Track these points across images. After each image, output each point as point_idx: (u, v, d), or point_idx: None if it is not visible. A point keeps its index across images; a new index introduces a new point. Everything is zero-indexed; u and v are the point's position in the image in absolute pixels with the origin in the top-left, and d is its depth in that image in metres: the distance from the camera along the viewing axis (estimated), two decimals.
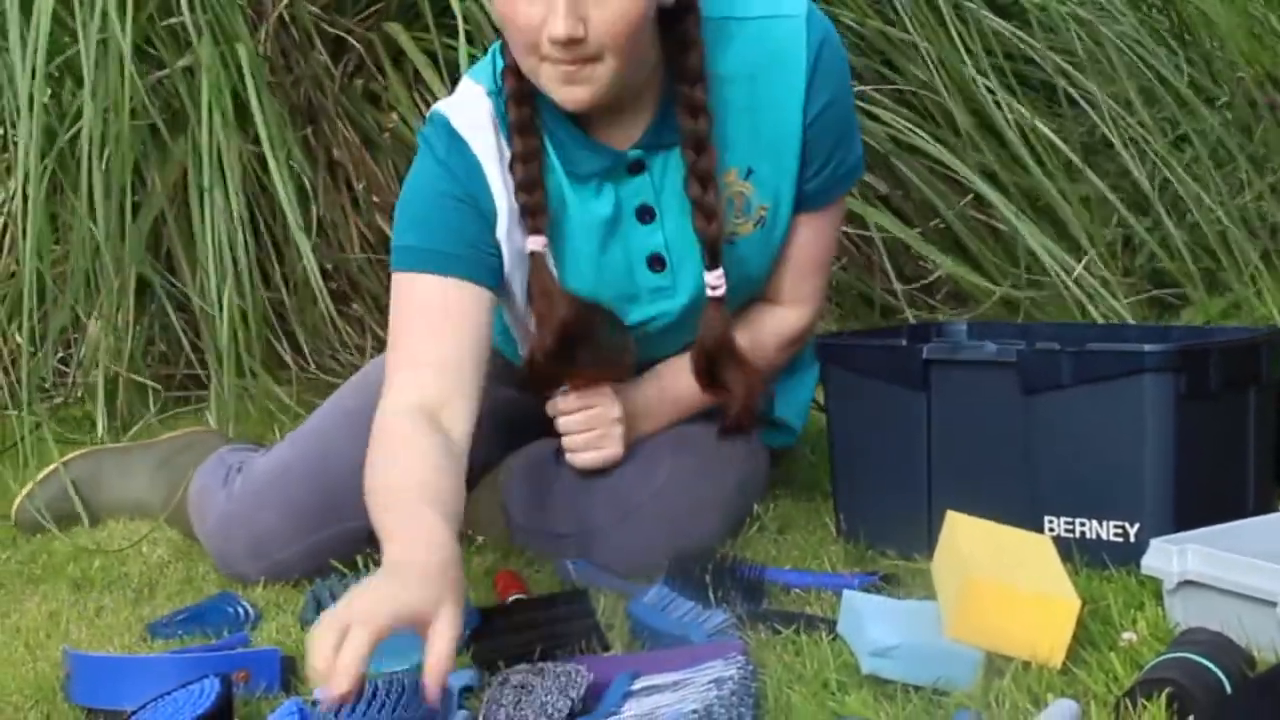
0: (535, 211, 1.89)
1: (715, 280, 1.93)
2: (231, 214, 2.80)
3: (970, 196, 3.12)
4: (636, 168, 1.93)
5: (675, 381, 2.03)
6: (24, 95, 2.68)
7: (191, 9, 2.79)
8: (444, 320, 1.87)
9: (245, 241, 2.83)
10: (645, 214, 1.94)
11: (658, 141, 1.92)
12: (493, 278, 1.90)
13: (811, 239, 2.04)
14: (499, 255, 1.91)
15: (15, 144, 2.79)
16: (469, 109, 1.92)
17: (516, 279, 1.94)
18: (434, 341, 1.86)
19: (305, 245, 2.83)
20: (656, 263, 1.96)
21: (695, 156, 1.89)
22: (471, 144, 1.90)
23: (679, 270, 1.97)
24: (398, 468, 1.74)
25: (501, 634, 1.71)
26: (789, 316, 2.07)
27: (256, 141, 2.90)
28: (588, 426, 1.99)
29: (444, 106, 1.94)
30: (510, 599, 1.81)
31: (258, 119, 2.80)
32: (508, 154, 1.90)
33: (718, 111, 1.89)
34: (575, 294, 1.93)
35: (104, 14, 2.72)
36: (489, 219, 1.90)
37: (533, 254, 1.91)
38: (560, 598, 1.82)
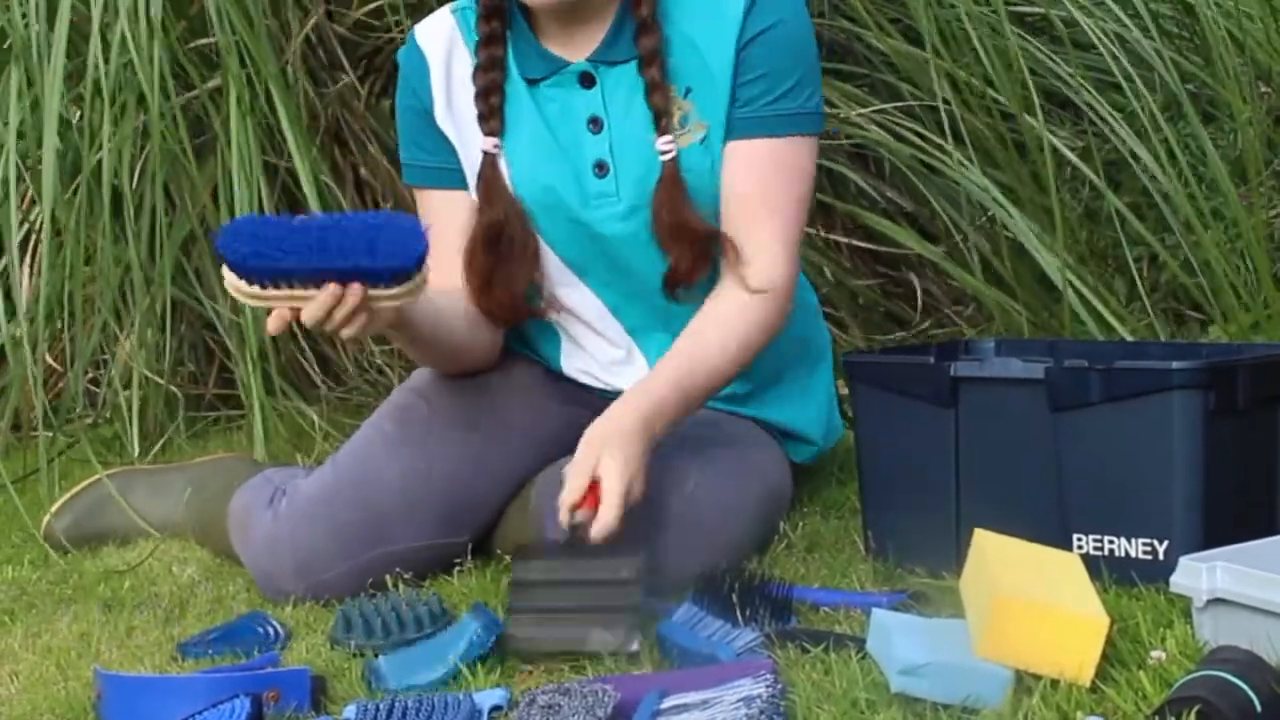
0: (490, 115, 2.09)
1: (665, 145, 2.05)
2: None
3: (992, 213, 3.12)
4: (588, 81, 2.08)
5: (648, 386, 2.01)
6: (50, 114, 2.70)
7: (222, 29, 2.80)
8: (447, 227, 2.06)
9: None
10: (594, 124, 2.09)
11: (609, 57, 2.07)
12: (454, 170, 2.13)
13: (750, 173, 2.06)
14: (451, 146, 2.13)
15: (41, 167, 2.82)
16: (433, 23, 2.16)
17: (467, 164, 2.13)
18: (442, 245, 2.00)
19: None
20: (600, 168, 2.08)
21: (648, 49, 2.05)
22: (424, 48, 2.14)
23: (621, 176, 2.08)
24: None
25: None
26: (750, 278, 2.03)
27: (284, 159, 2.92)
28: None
29: (418, 25, 2.18)
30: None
31: (289, 139, 2.81)
32: (461, 57, 2.12)
33: (664, 31, 2.06)
34: (516, 198, 2.09)
35: (132, 35, 2.74)
36: (430, 111, 2.12)
37: (485, 154, 2.09)
38: (609, 550, 1.85)
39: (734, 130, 2.06)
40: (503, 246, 2.08)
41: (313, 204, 2.79)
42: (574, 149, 2.08)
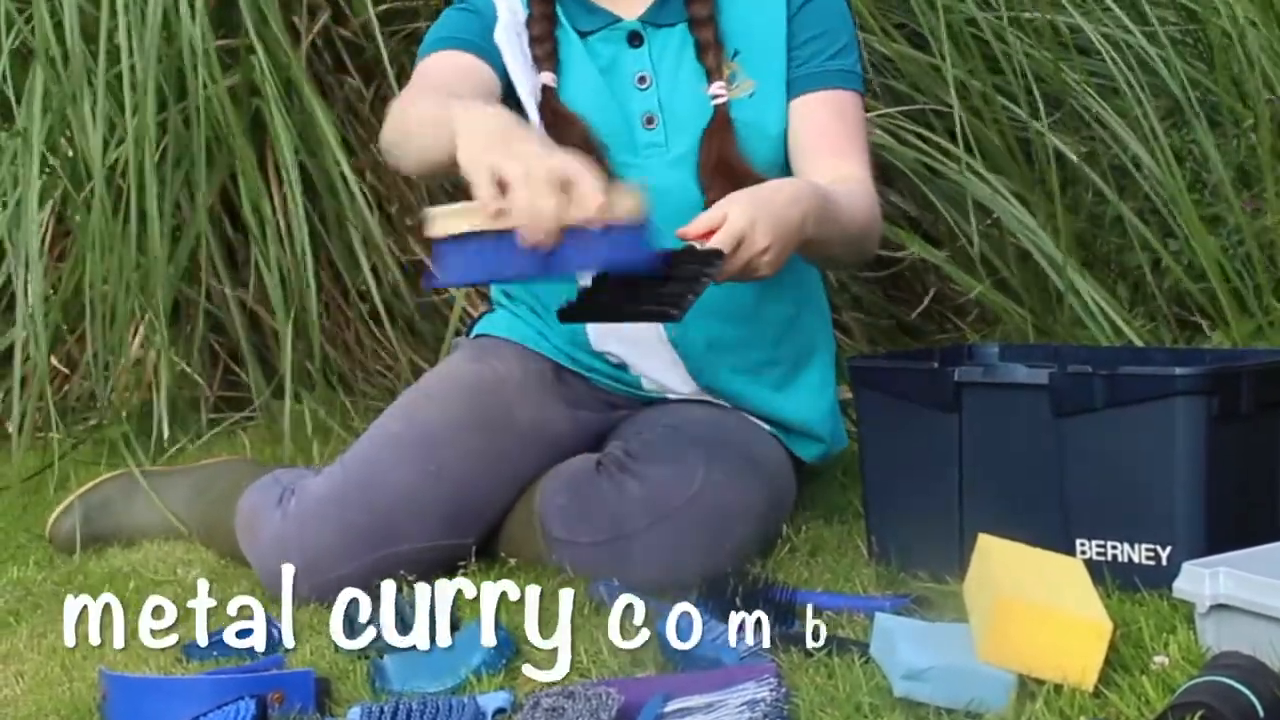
0: (546, 57, 2.14)
1: (717, 90, 2.12)
2: (292, 232, 2.82)
3: (995, 217, 3.12)
4: (636, 40, 2.16)
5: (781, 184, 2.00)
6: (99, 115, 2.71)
7: (245, 30, 2.81)
8: (451, 72, 2.10)
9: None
10: (641, 81, 2.16)
11: (658, 19, 2.16)
12: (495, 61, 2.12)
13: (820, 120, 2.15)
14: (499, 54, 2.13)
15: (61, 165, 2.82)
16: None
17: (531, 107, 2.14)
18: (440, 81, 2.07)
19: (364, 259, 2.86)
20: (649, 121, 2.14)
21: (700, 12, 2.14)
22: None
23: (670, 127, 2.14)
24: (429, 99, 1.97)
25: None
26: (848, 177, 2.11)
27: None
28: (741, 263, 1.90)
29: None
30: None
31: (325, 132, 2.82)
32: (516, 6, 2.15)
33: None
34: (581, 117, 2.12)
35: (149, 35, 2.75)
36: (490, 23, 2.14)
37: (545, 88, 2.14)
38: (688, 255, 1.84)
39: (797, 86, 2.15)
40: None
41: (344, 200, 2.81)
42: (623, 101, 2.15)
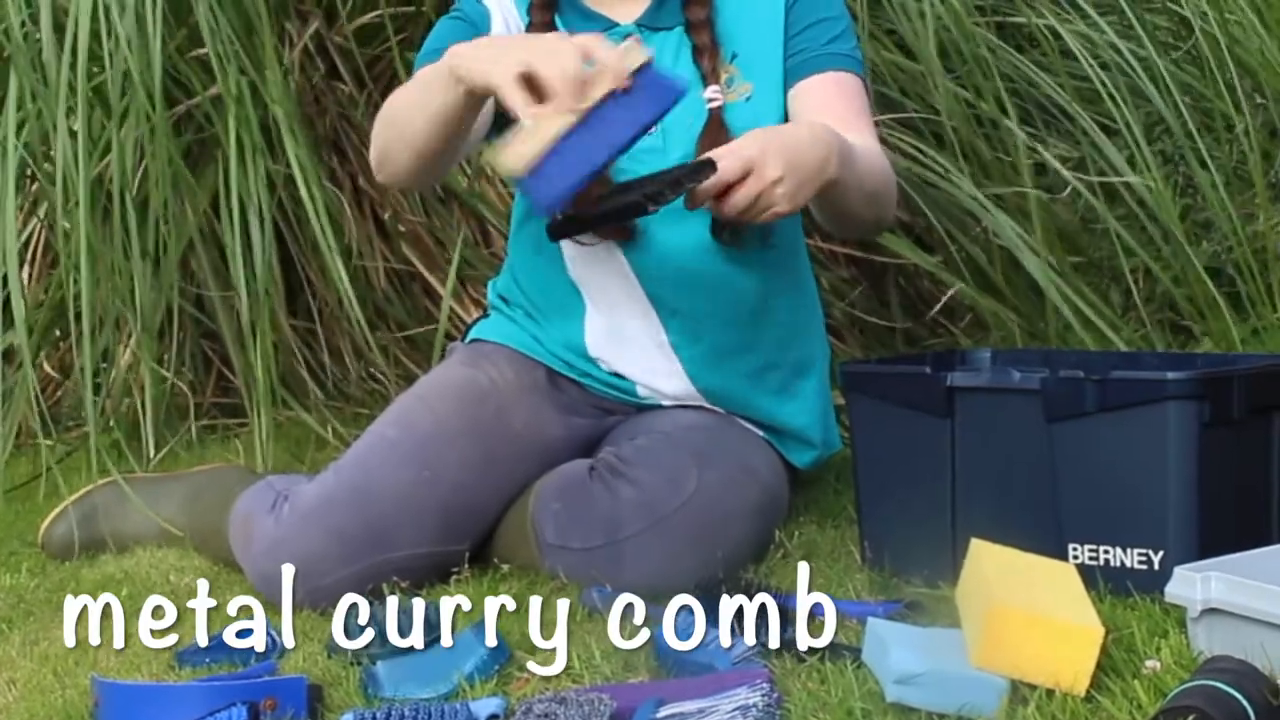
0: None
1: (712, 94, 2.13)
2: (264, 242, 2.81)
3: (985, 224, 3.13)
4: None
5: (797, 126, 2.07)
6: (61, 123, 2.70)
7: (219, 40, 2.80)
8: None
9: (277, 270, 2.85)
10: None
11: (654, 22, 2.17)
12: None
13: (824, 99, 2.14)
14: None
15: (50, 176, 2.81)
16: None
17: None
18: None
19: (342, 270, 2.86)
20: None
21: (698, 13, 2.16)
22: (485, 2, 2.20)
23: (669, 132, 2.11)
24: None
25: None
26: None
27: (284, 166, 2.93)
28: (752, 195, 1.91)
29: None
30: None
31: (289, 145, 2.81)
32: (511, 14, 2.18)
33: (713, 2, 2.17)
34: None
35: (130, 43, 2.74)
36: (483, 34, 2.15)
37: None
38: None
39: (797, 72, 2.16)
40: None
41: (315, 210, 2.80)
42: None
